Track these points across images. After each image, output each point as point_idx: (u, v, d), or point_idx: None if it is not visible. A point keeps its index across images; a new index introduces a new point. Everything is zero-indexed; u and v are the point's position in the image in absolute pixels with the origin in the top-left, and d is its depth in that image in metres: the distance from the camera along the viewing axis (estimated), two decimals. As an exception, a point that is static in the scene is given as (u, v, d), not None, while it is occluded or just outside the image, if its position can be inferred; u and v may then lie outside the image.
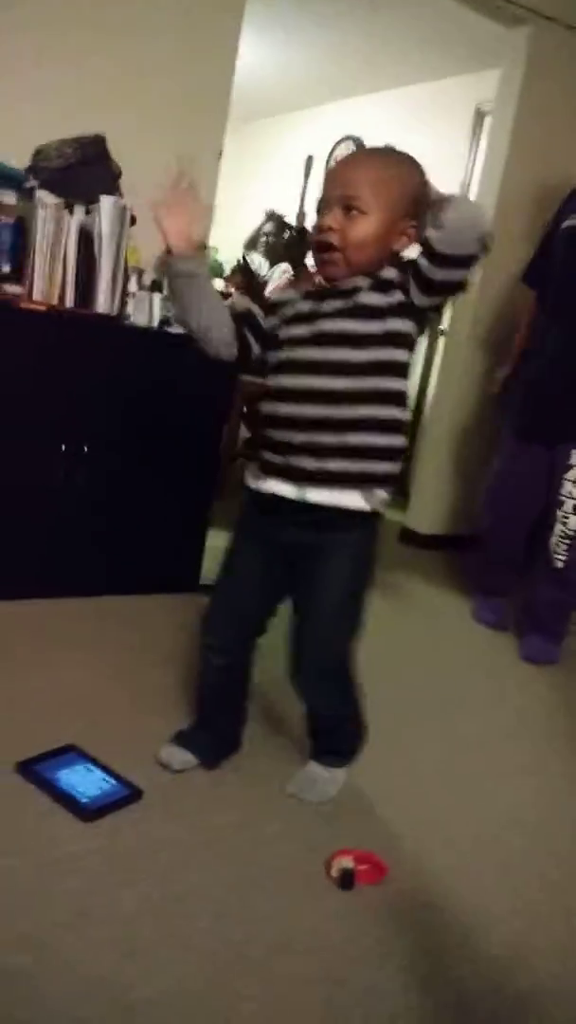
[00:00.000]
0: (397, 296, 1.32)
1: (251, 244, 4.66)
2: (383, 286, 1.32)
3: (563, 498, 2.51)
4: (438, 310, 1.39)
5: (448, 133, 4.55)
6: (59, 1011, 1.02)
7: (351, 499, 1.37)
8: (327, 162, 5.72)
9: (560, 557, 2.54)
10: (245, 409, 4.15)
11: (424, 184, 1.34)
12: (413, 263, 1.29)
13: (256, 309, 1.46)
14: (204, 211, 1.37)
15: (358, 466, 1.36)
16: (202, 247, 1.41)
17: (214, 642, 1.56)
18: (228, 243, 5.12)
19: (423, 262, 1.26)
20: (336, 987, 1.14)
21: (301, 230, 4.78)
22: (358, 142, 5.39)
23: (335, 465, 1.35)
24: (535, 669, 2.51)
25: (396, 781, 1.71)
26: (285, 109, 6.01)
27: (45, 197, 2.22)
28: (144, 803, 1.45)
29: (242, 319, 1.45)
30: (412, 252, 1.38)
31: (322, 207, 1.36)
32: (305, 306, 1.39)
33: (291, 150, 5.96)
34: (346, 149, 5.57)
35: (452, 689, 2.27)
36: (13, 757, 1.50)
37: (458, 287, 1.30)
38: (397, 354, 1.35)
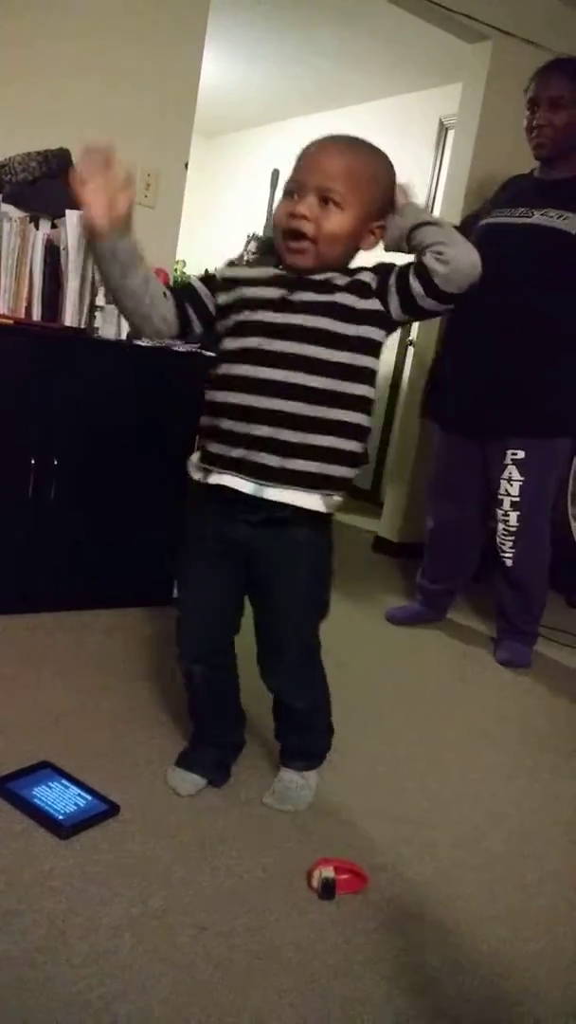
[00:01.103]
0: (374, 304, 1.30)
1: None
2: (361, 289, 1.30)
3: (501, 496, 2.52)
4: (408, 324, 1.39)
5: (413, 146, 4.60)
6: (38, 1032, 1.00)
7: (310, 501, 1.34)
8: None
9: (507, 555, 2.56)
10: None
11: (394, 185, 1.34)
12: (400, 277, 1.29)
13: (200, 287, 1.39)
14: (126, 180, 1.21)
15: (321, 468, 1.32)
16: (127, 220, 1.23)
17: (189, 653, 1.52)
18: (195, 256, 5.14)
19: (416, 287, 1.27)
20: (319, 998, 1.13)
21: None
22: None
23: (298, 465, 1.31)
24: (511, 673, 2.52)
25: (375, 788, 1.70)
26: (251, 124, 6.05)
27: (10, 211, 2.22)
28: (121, 818, 1.44)
29: (184, 295, 1.38)
30: (373, 254, 1.37)
31: (294, 191, 1.30)
32: (273, 292, 1.32)
33: (257, 164, 5.99)
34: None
35: (429, 695, 2.27)
36: (-13, 776, 1.48)
37: (441, 313, 1.34)
38: (368, 360, 1.33)
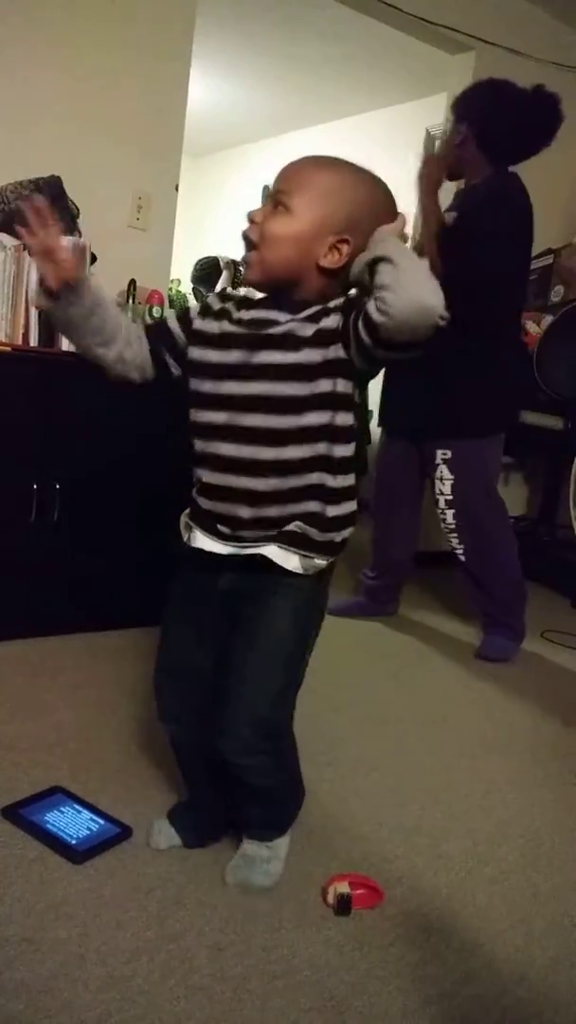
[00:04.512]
0: (338, 351, 1.16)
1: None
2: (323, 338, 1.17)
3: (437, 496, 2.63)
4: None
5: (401, 157, 4.62)
6: (58, 1060, 1.01)
7: (289, 561, 1.23)
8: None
9: (458, 551, 2.65)
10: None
11: (373, 207, 1.19)
12: (356, 323, 1.13)
13: (179, 331, 1.28)
14: (64, 242, 1.17)
15: (303, 530, 1.22)
16: (78, 280, 1.18)
17: (162, 709, 1.38)
18: (188, 274, 5.15)
19: (364, 336, 1.11)
20: (337, 1015, 1.13)
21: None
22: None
23: (278, 530, 1.22)
24: (516, 679, 2.52)
25: (386, 801, 1.71)
26: (239, 142, 6.10)
27: (4, 239, 2.24)
28: (134, 841, 1.44)
29: (161, 339, 1.28)
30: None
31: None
32: (235, 356, 1.21)
33: (246, 181, 6.04)
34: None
35: (434, 703, 2.27)
36: (-1, 803, 1.48)
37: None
38: (341, 417, 1.20)
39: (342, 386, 1.18)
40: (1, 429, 2.17)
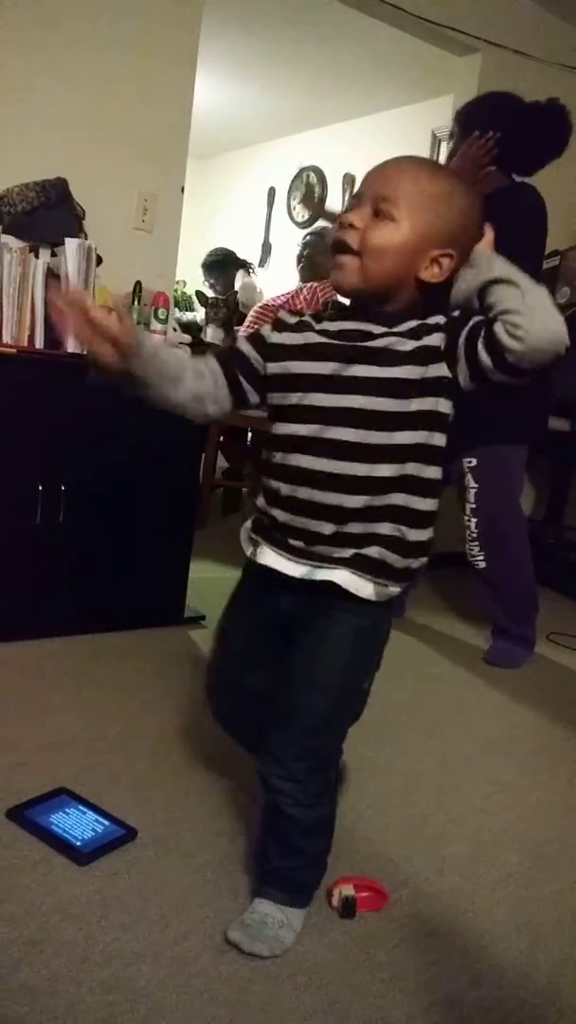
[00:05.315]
0: (440, 369, 1.13)
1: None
2: (425, 355, 1.13)
3: (466, 504, 2.61)
4: None
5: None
6: (63, 1062, 1.01)
7: (363, 588, 1.18)
8: (288, 193, 5.81)
9: (478, 559, 2.63)
10: (221, 439, 4.17)
11: (475, 222, 1.16)
12: (469, 342, 1.10)
13: (251, 352, 1.24)
14: (112, 315, 1.13)
15: (382, 555, 1.17)
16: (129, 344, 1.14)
17: (213, 710, 1.41)
18: (194, 275, 5.16)
19: (485, 360, 1.09)
20: (341, 1018, 1.13)
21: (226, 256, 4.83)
22: (319, 172, 5.48)
23: (353, 552, 1.17)
24: (522, 682, 2.52)
25: (391, 803, 1.70)
26: (246, 143, 6.10)
27: (10, 241, 2.24)
28: (139, 843, 1.44)
29: (235, 364, 1.24)
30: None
31: (353, 203, 1.17)
32: (325, 367, 1.16)
33: (253, 182, 6.05)
34: (305, 179, 5.65)
35: (440, 706, 2.27)
36: (4, 804, 1.48)
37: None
38: (436, 438, 1.17)
39: (443, 406, 1.16)
40: (7, 431, 2.18)
